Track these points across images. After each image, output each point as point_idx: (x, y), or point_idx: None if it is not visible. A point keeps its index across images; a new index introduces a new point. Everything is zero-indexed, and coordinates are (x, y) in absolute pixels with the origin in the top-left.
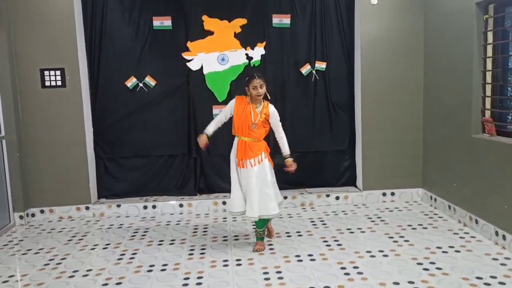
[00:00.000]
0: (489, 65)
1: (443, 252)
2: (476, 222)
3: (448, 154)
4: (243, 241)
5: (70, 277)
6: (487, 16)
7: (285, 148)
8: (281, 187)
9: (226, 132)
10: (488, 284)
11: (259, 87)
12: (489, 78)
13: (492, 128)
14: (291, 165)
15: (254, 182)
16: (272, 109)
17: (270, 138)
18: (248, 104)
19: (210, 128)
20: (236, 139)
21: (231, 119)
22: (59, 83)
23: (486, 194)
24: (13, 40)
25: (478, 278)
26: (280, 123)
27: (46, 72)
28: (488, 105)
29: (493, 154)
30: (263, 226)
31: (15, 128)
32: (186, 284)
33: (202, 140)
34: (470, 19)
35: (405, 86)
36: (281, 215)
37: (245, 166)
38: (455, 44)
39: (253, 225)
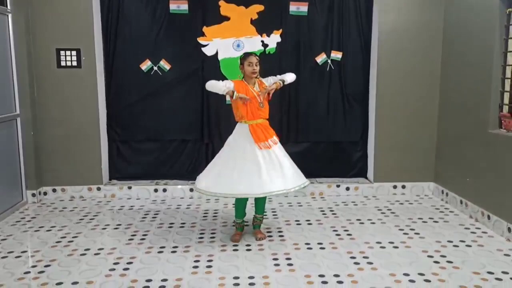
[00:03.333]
0: (509, 60)
1: (454, 246)
2: (489, 217)
3: (462, 149)
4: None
5: (81, 255)
6: (510, 9)
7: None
8: None
9: None
10: (500, 279)
11: (254, 64)
12: (509, 73)
13: (509, 123)
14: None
15: (283, 155)
16: (265, 79)
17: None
18: (246, 86)
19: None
20: (243, 126)
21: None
22: (74, 63)
23: (500, 190)
24: (30, 19)
25: (489, 273)
26: (275, 77)
27: (62, 52)
28: (506, 100)
29: (509, 150)
30: (263, 211)
31: (30, 107)
32: (196, 267)
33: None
34: (492, 12)
35: (421, 79)
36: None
37: (269, 146)
38: (475, 37)
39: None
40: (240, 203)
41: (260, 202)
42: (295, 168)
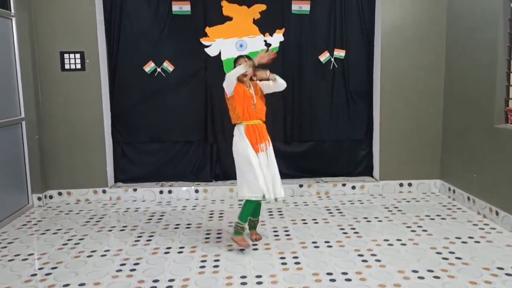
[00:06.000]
0: None
1: (463, 242)
2: (497, 213)
3: (468, 144)
4: (259, 227)
5: (88, 256)
6: None
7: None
8: (297, 176)
9: None
10: (510, 275)
11: None
12: None
13: None
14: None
15: (275, 163)
16: (259, 83)
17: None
18: (243, 86)
19: None
20: (241, 127)
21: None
22: (78, 66)
23: (508, 185)
24: (34, 23)
25: (499, 268)
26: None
27: (66, 55)
28: None
29: None
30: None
31: (34, 111)
32: (203, 266)
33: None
34: (496, 5)
35: (425, 75)
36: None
37: (262, 150)
38: (479, 31)
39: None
40: (253, 206)
41: (259, 206)
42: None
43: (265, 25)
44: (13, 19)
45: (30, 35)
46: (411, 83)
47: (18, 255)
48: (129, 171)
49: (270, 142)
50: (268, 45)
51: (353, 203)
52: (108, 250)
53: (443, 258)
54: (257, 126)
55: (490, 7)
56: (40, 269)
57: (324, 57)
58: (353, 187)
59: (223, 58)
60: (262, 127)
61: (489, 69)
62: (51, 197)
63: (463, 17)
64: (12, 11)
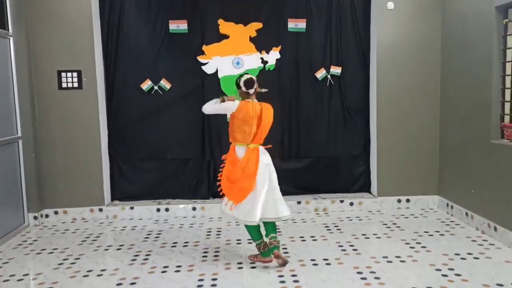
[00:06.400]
0: (508, 70)
1: (462, 258)
2: (495, 229)
3: (465, 160)
4: (252, 246)
5: (84, 276)
6: (506, 20)
7: None
8: (295, 192)
9: None
10: None
11: None
12: (508, 83)
13: (511, 133)
14: None
15: None
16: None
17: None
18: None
19: None
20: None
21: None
22: (75, 85)
23: (506, 200)
24: (31, 41)
25: (499, 285)
26: None
27: (63, 74)
28: (507, 110)
29: None
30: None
31: (31, 129)
32: (200, 285)
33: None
34: (489, 23)
35: (422, 91)
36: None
37: None
38: (473, 48)
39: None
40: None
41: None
42: None
43: (261, 43)
44: (11, 39)
45: (27, 54)
46: (408, 99)
47: (13, 275)
48: (126, 189)
49: None
50: (264, 62)
51: (351, 220)
52: (104, 270)
53: (443, 275)
54: None
55: (484, 24)
56: None
57: (320, 74)
58: (351, 204)
59: (220, 75)
60: None
61: (484, 85)
62: (47, 216)
63: (458, 34)
64: (10, 30)
